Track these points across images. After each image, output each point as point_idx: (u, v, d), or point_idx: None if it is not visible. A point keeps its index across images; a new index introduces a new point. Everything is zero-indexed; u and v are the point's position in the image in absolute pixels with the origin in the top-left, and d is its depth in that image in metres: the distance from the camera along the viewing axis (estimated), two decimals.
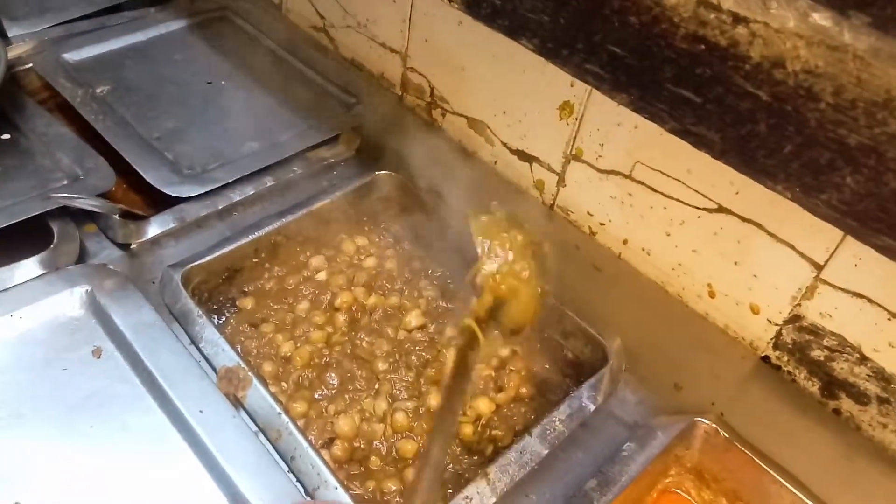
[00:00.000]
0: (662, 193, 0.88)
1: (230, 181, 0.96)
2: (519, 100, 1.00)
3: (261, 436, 0.71)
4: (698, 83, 0.56)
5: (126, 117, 1.04)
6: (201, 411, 0.70)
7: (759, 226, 0.81)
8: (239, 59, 1.21)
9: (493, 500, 0.68)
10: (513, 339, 0.79)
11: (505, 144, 1.06)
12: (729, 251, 0.85)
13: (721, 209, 0.83)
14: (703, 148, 0.60)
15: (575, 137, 0.95)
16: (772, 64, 0.51)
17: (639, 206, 0.92)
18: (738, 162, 0.58)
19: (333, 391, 0.82)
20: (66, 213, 0.88)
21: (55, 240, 0.84)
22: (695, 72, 0.55)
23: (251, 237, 0.91)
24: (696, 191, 0.85)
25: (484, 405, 0.81)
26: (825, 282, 0.78)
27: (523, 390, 0.85)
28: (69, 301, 0.79)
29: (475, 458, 0.78)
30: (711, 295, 0.89)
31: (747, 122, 0.55)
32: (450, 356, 0.74)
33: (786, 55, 0.50)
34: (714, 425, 0.75)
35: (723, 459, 0.76)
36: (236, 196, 0.96)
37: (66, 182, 0.91)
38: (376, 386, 0.83)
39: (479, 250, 0.66)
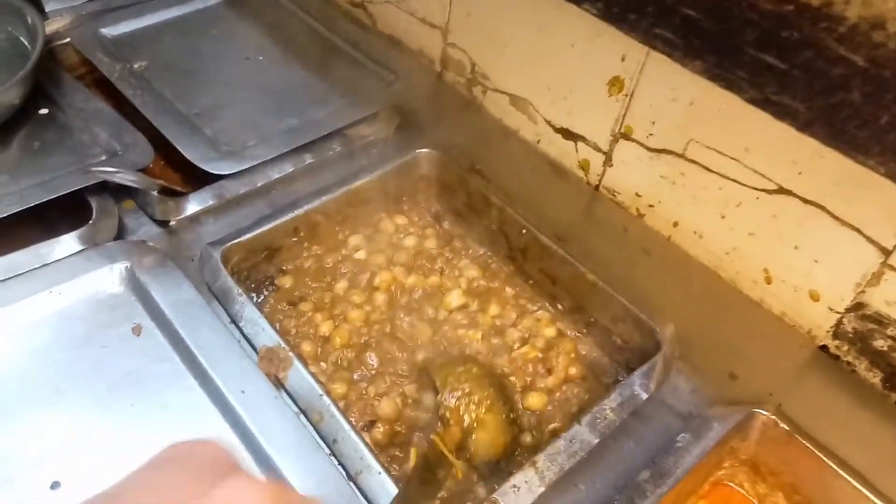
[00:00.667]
0: (718, 173, 0.84)
1: (269, 158, 0.94)
2: (565, 76, 0.96)
3: (302, 417, 0.69)
4: (784, 47, 0.51)
5: (164, 93, 1.02)
6: (243, 391, 0.68)
7: (822, 208, 0.77)
8: (276, 35, 1.18)
9: (542, 489, 0.65)
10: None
11: (549, 122, 1.02)
12: (788, 234, 0.81)
13: (781, 190, 0.79)
14: (785, 119, 0.56)
15: (624, 115, 0.91)
16: (870, 25, 0.46)
17: (691, 186, 0.88)
18: (825, 134, 0.54)
19: (373, 372, 0.80)
20: (104, 189, 0.87)
21: (94, 215, 0.83)
22: (780, 35, 0.51)
23: (291, 215, 0.89)
24: (755, 170, 0.80)
25: (536, 399, 0.79)
26: (893, 268, 0.74)
27: (573, 371, 0.82)
28: (108, 277, 0.78)
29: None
30: (768, 280, 0.85)
31: (839, 90, 0.50)
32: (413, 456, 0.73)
33: (887, 15, 0.45)
34: (773, 417, 0.72)
35: (781, 452, 0.72)
36: (275, 174, 0.94)
37: (104, 157, 0.90)
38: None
39: (438, 387, 0.70)
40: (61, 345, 0.72)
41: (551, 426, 0.78)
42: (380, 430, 0.75)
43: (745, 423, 0.72)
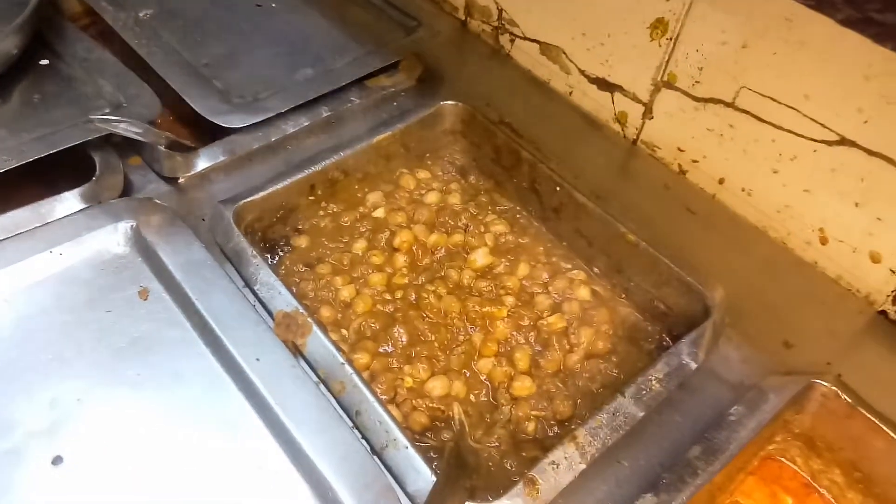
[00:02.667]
0: (771, 124, 0.77)
1: (283, 111, 0.87)
2: (602, 19, 0.89)
3: (322, 387, 0.64)
4: None
5: (171, 43, 0.96)
6: (258, 359, 0.63)
7: (889, 160, 0.70)
8: None
9: (583, 466, 0.60)
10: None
11: (583, 72, 0.95)
12: (849, 190, 0.74)
13: (843, 141, 0.72)
14: (887, 42, 0.48)
15: (668, 61, 0.84)
16: None
17: (741, 139, 0.81)
18: None
19: (401, 347, 0.75)
20: (108, 144, 0.81)
21: (97, 172, 0.78)
22: None
23: (307, 172, 0.83)
24: (814, 120, 0.73)
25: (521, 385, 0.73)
26: None
27: (600, 345, 0.76)
28: (113, 237, 0.73)
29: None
30: (823, 241, 0.78)
31: None
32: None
33: None
34: (833, 388, 0.66)
35: (842, 426, 0.66)
36: (290, 128, 0.88)
37: (108, 110, 0.84)
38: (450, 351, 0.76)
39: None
40: (63, 309, 0.67)
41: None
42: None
43: (803, 394, 0.66)
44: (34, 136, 0.79)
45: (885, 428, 0.64)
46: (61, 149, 0.76)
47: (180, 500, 0.57)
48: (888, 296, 0.75)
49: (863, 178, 0.72)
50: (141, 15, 1.00)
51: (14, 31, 0.84)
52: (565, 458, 0.60)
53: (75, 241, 0.71)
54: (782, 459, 0.71)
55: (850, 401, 0.65)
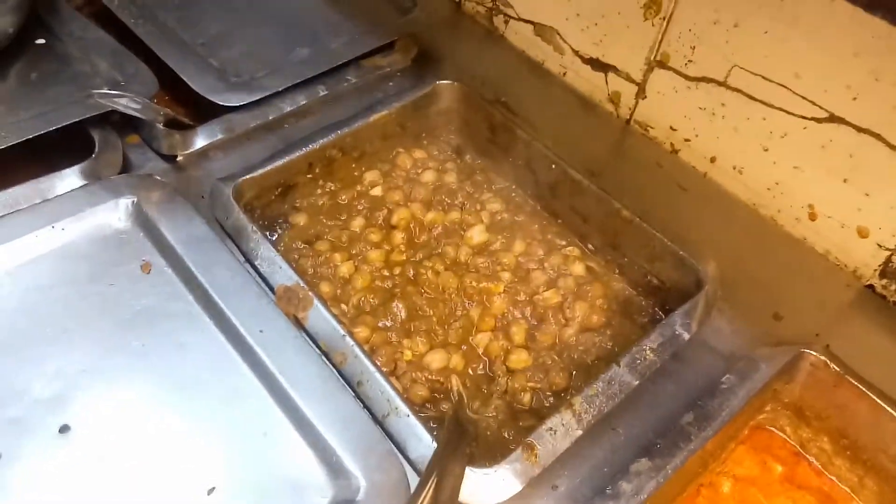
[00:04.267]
0: (762, 102, 0.78)
1: (280, 90, 0.88)
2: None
3: (324, 358, 0.65)
4: None
5: (167, 22, 0.96)
6: (261, 331, 0.64)
7: (877, 136, 0.71)
8: None
9: (580, 432, 0.62)
10: None
11: (576, 52, 0.96)
12: (838, 167, 0.75)
13: (833, 118, 0.74)
14: (878, 11, 0.50)
15: (661, 40, 0.85)
16: None
17: (732, 117, 0.82)
18: None
19: (400, 321, 0.76)
20: (107, 122, 0.82)
21: (97, 149, 0.78)
22: None
23: (304, 150, 0.84)
24: (804, 97, 0.75)
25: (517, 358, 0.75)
26: None
27: (594, 319, 0.78)
28: (114, 213, 0.73)
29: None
30: (812, 217, 0.80)
31: None
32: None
33: None
34: (822, 357, 0.68)
35: (830, 395, 0.68)
36: (287, 106, 0.89)
37: (105, 89, 0.84)
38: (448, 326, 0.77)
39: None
40: (66, 282, 0.68)
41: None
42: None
43: (793, 364, 0.68)
44: (32, 113, 0.79)
45: (871, 395, 0.66)
46: (60, 126, 0.76)
47: (187, 467, 0.58)
48: (875, 270, 0.77)
49: (851, 154, 0.74)
50: None
51: (10, 9, 0.84)
52: (562, 424, 0.62)
53: (76, 217, 0.72)
54: (772, 429, 0.72)
55: (838, 370, 0.67)
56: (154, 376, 0.62)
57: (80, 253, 0.70)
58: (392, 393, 0.62)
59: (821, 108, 0.74)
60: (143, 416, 0.60)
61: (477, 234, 0.84)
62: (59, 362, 0.63)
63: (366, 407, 0.63)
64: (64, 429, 0.59)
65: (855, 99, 0.71)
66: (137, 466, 0.58)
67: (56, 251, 0.70)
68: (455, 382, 0.71)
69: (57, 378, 0.62)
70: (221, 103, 0.85)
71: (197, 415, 0.61)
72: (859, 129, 0.72)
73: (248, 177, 0.80)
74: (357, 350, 0.65)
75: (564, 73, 0.99)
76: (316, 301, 0.68)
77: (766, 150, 0.81)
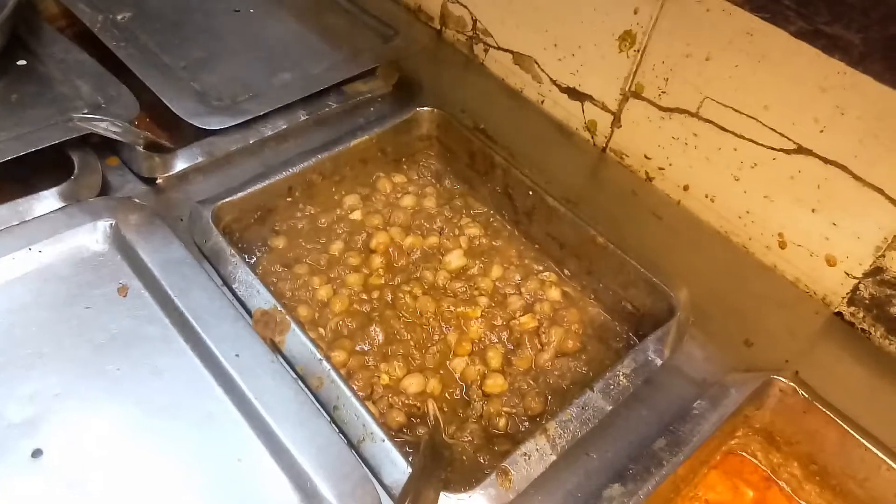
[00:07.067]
0: (733, 133, 0.81)
1: (261, 114, 0.89)
2: (573, 31, 0.92)
3: (300, 383, 0.65)
4: None
5: (149, 45, 0.97)
6: (237, 355, 0.64)
7: (844, 168, 0.73)
8: None
9: (554, 457, 0.62)
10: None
11: (554, 81, 0.98)
12: (806, 197, 0.78)
13: (801, 150, 0.76)
14: (836, 53, 0.52)
15: (635, 72, 0.87)
16: None
17: (704, 147, 0.84)
18: (884, 68, 0.50)
19: (377, 345, 0.77)
20: (86, 143, 0.82)
21: (76, 171, 0.78)
22: None
23: (284, 174, 0.85)
24: (773, 129, 0.77)
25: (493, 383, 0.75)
26: None
27: (570, 344, 0.79)
28: (92, 235, 0.73)
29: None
30: (782, 245, 0.82)
31: None
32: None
33: None
34: (791, 384, 0.69)
35: (799, 421, 0.69)
36: (268, 130, 0.89)
37: (86, 111, 0.84)
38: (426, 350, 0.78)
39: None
40: (42, 305, 0.67)
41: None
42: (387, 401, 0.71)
43: (763, 389, 0.70)
44: (12, 135, 0.79)
45: (839, 422, 0.67)
46: (40, 148, 0.76)
47: (161, 493, 0.58)
48: (843, 297, 0.79)
49: (819, 185, 0.76)
50: (119, 18, 1.01)
51: None
52: (537, 449, 0.62)
53: (54, 239, 0.72)
54: (743, 454, 0.74)
55: (807, 396, 0.69)
56: (129, 401, 0.62)
57: (58, 275, 0.70)
58: (368, 418, 0.62)
59: (789, 139, 0.76)
60: (116, 440, 0.60)
61: (455, 259, 0.85)
62: (34, 385, 0.62)
63: (341, 432, 0.63)
64: (37, 453, 0.58)
65: (822, 131, 0.73)
66: (110, 491, 0.57)
67: (33, 273, 0.70)
68: (431, 407, 0.71)
69: (31, 402, 0.61)
70: (202, 127, 0.85)
71: (171, 439, 0.61)
72: (826, 161, 0.74)
73: (227, 200, 0.80)
74: (334, 374, 0.65)
75: (542, 101, 1.01)
76: (293, 325, 0.68)
77: (738, 179, 0.83)
